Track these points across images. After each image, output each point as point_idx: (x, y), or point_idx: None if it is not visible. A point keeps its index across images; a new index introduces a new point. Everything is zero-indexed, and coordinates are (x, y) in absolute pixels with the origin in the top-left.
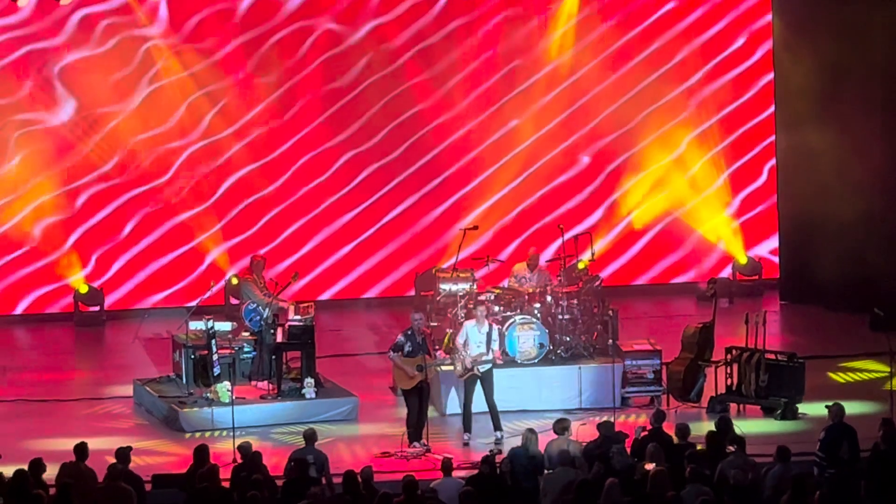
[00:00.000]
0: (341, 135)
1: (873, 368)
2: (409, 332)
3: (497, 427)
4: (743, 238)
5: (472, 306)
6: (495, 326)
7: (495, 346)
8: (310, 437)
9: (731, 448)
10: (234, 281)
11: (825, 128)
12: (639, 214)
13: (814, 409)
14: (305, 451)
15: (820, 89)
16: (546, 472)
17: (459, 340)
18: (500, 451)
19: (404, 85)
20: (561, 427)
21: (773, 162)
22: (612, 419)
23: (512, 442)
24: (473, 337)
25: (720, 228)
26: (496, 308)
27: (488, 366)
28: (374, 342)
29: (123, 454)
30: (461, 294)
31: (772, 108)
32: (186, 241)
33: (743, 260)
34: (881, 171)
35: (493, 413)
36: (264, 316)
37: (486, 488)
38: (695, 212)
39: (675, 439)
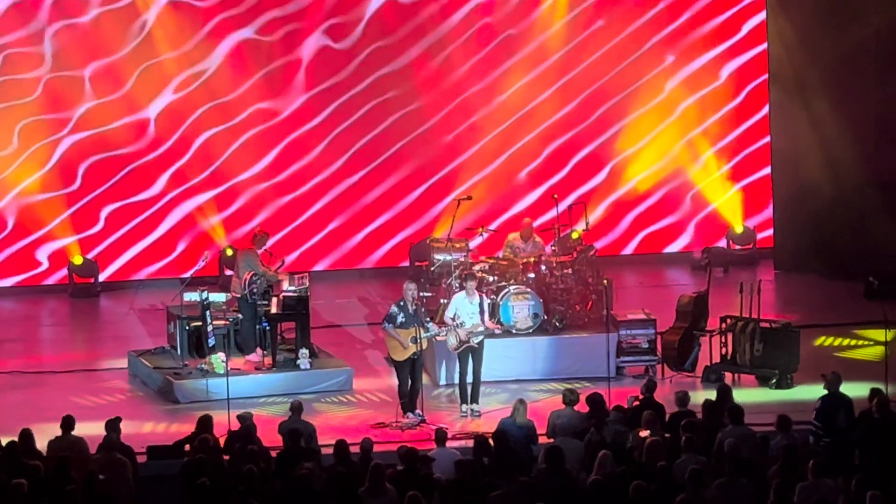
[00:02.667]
0: (335, 104)
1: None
2: (402, 303)
3: (475, 400)
4: (743, 206)
5: (462, 278)
6: (485, 297)
7: (487, 316)
8: (297, 408)
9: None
10: (229, 252)
11: (820, 96)
12: (637, 183)
13: (809, 378)
14: (292, 423)
15: (815, 54)
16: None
17: (448, 314)
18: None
19: (399, 56)
20: (570, 398)
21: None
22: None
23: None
24: (465, 309)
25: (718, 195)
26: (490, 278)
27: (481, 337)
28: (366, 313)
29: (114, 425)
30: (455, 264)
31: (765, 76)
32: (181, 213)
33: (739, 229)
34: (877, 139)
35: (476, 386)
36: (263, 288)
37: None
38: (691, 181)
39: (676, 407)
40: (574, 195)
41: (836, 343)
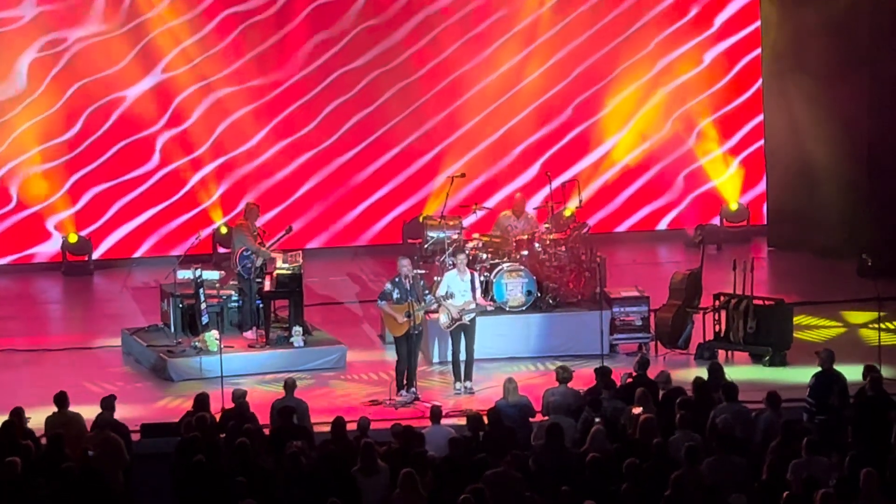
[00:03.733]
0: (328, 81)
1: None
2: (397, 280)
3: (468, 377)
4: (738, 183)
5: (452, 255)
6: (476, 274)
7: (478, 293)
8: (290, 386)
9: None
10: (224, 230)
11: (814, 74)
12: (630, 160)
13: (802, 355)
14: (286, 401)
15: (808, 30)
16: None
17: (440, 292)
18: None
19: (393, 33)
20: (564, 376)
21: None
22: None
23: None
24: (457, 286)
25: (712, 173)
26: (483, 255)
27: (473, 314)
28: (357, 291)
29: (109, 403)
30: (449, 242)
31: (758, 51)
32: (175, 190)
33: (734, 206)
34: (872, 116)
35: (469, 363)
36: (257, 265)
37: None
38: (684, 158)
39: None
40: (568, 173)
41: (826, 324)
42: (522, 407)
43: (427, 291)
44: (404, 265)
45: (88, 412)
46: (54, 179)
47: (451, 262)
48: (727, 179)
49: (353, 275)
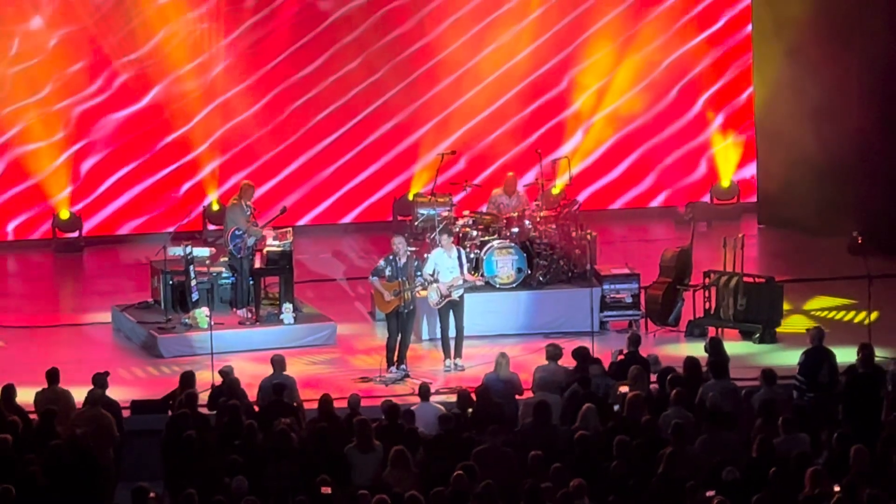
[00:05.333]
0: (319, 60)
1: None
2: (391, 257)
3: (458, 354)
4: (737, 158)
5: (438, 232)
6: (463, 250)
7: (465, 268)
8: (279, 363)
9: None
10: (216, 207)
11: (804, 51)
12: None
13: (792, 332)
14: (275, 378)
15: (800, 5)
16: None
17: (427, 270)
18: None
19: (381, 10)
20: (553, 353)
21: (751, 89)
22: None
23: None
24: (444, 263)
25: (703, 150)
26: (474, 233)
27: (462, 290)
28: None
29: (100, 380)
30: (439, 218)
31: (749, 27)
32: (164, 166)
33: (727, 183)
34: (861, 93)
35: (459, 340)
36: (249, 244)
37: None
38: (676, 135)
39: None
40: (560, 151)
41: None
42: (511, 382)
43: (419, 272)
44: (398, 243)
45: (77, 390)
46: (43, 156)
47: (440, 240)
48: (719, 156)
49: (341, 253)
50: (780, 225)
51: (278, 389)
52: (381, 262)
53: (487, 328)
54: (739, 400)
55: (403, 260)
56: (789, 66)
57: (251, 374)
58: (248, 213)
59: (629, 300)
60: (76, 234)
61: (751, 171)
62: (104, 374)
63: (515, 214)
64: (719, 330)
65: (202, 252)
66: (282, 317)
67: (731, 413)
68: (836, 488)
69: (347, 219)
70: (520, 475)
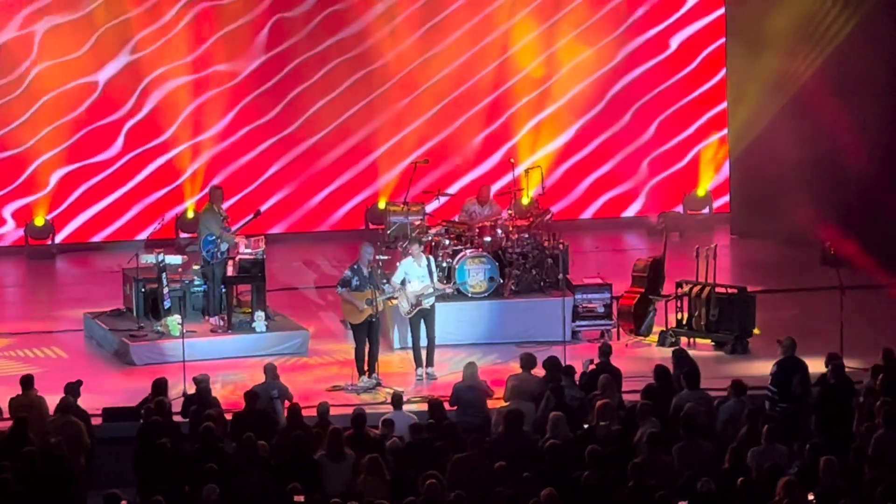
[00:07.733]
0: (291, 66)
1: None
2: (356, 267)
3: (430, 363)
4: (709, 169)
5: (409, 242)
6: (432, 259)
7: (435, 276)
8: (270, 371)
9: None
10: (191, 214)
11: (777, 60)
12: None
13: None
14: (268, 386)
15: (772, 17)
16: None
17: (396, 280)
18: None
19: (356, 19)
20: (527, 362)
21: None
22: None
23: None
24: (414, 272)
25: (675, 160)
26: (446, 242)
27: (433, 299)
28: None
29: (73, 389)
30: (411, 227)
31: (723, 40)
32: (137, 173)
33: (701, 192)
34: (834, 104)
35: (431, 349)
36: (223, 250)
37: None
38: (647, 145)
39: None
40: (531, 159)
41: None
42: (479, 388)
43: (385, 280)
44: (367, 252)
45: (50, 398)
46: (16, 163)
47: (408, 250)
48: (693, 166)
49: (312, 262)
50: (752, 235)
51: (250, 397)
52: (348, 272)
53: (459, 337)
54: (713, 410)
55: (368, 269)
56: (762, 77)
57: (221, 382)
58: (222, 219)
59: (601, 310)
60: (49, 240)
61: (720, 181)
62: (77, 383)
63: (488, 224)
64: (691, 340)
65: (174, 260)
66: (254, 325)
67: (708, 423)
68: (811, 497)
69: (320, 227)
70: (494, 484)
